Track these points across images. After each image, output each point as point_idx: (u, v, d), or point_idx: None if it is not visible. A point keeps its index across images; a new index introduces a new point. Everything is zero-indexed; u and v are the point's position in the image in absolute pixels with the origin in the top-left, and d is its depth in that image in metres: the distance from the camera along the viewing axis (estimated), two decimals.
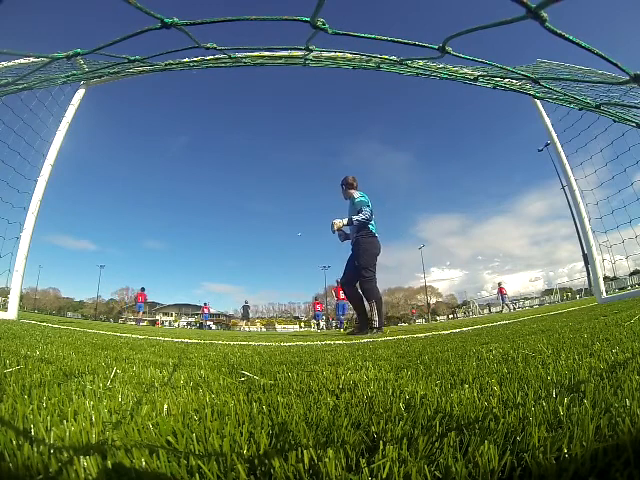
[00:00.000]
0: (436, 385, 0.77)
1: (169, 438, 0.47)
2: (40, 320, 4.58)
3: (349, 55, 1.39)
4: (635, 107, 1.30)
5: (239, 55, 1.32)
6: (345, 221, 4.24)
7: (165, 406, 0.62)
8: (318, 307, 21.68)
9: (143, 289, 18.72)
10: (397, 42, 0.65)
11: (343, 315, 15.47)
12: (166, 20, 0.56)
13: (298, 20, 0.55)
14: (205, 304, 24.90)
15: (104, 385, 0.81)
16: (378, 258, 4.42)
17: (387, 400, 0.66)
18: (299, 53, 1.40)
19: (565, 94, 1.10)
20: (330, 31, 0.58)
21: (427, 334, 2.93)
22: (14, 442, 0.44)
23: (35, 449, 0.42)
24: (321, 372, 1.02)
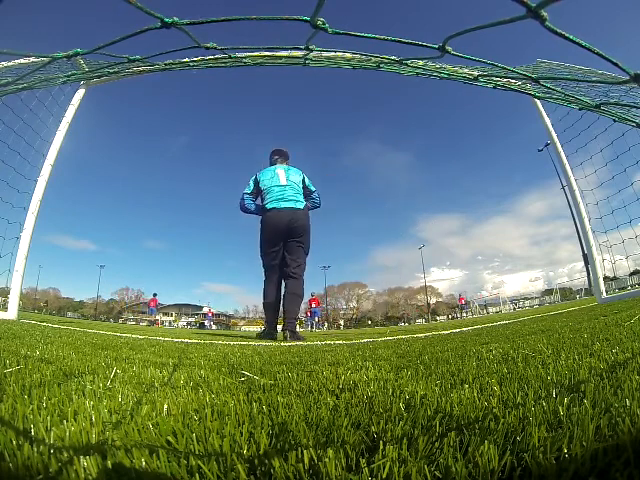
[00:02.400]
0: (436, 385, 0.77)
1: (169, 438, 0.47)
2: (40, 320, 4.58)
3: (349, 55, 1.39)
4: (635, 107, 1.30)
5: (239, 55, 1.32)
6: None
7: (165, 406, 0.62)
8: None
9: (155, 295, 21.53)
10: (397, 42, 0.65)
11: (313, 320, 19.02)
12: (166, 20, 0.56)
13: (298, 20, 0.55)
14: (210, 309, 27.77)
15: (104, 385, 0.81)
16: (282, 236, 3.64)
17: (387, 400, 0.66)
18: (299, 53, 1.40)
19: (565, 94, 1.10)
20: (330, 31, 0.58)
21: (427, 334, 2.93)
22: (14, 442, 0.44)
23: (35, 449, 0.42)
24: (321, 372, 1.02)
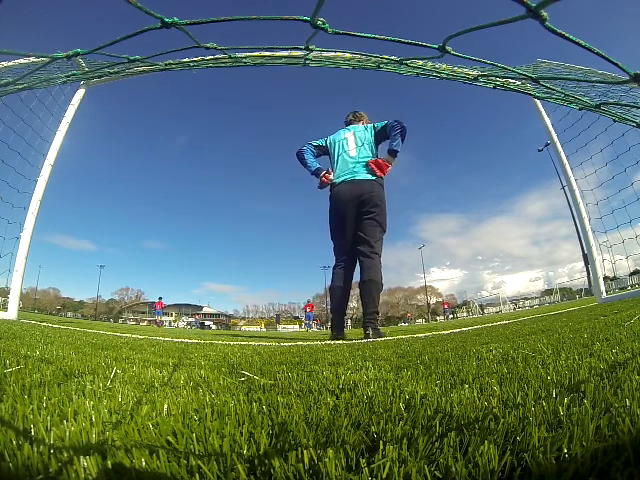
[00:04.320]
0: (436, 385, 0.77)
1: (169, 438, 0.47)
2: (40, 320, 4.58)
3: (349, 55, 1.39)
4: (635, 107, 1.30)
5: (239, 55, 1.32)
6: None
7: (165, 406, 0.62)
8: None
9: (161, 298, 22.88)
10: (397, 42, 0.65)
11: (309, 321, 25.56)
12: (166, 20, 0.56)
13: (298, 20, 0.55)
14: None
15: (104, 385, 0.81)
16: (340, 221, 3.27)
17: (387, 400, 0.66)
18: (299, 53, 1.40)
19: (565, 94, 1.10)
20: (330, 30, 0.58)
21: (427, 334, 2.93)
22: (14, 442, 0.44)
23: (35, 449, 0.42)
24: (321, 372, 1.02)
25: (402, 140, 3.24)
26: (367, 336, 2.86)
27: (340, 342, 2.58)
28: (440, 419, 0.53)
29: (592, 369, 0.79)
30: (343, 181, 3.30)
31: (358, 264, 3.26)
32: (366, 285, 3.10)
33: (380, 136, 3.43)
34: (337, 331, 3.21)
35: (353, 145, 3.39)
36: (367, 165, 3.28)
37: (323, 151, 3.60)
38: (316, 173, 3.45)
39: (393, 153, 3.26)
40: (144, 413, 0.58)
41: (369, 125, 3.50)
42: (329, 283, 3.42)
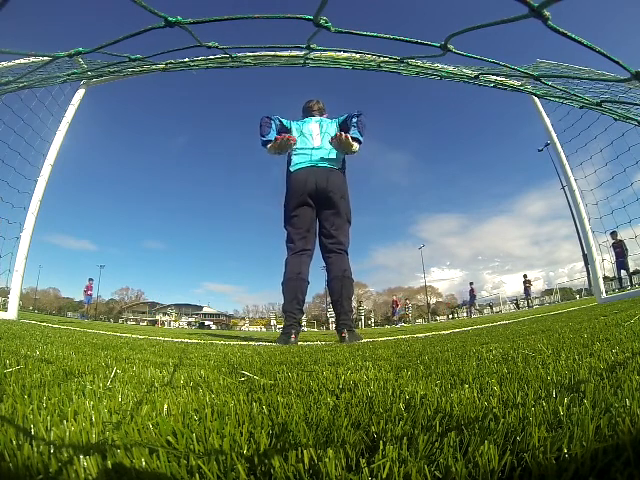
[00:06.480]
0: (436, 385, 0.77)
1: (169, 438, 0.47)
2: (40, 320, 4.58)
3: (349, 55, 1.39)
4: (636, 104, 1.30)
5: (240, 55, 1.32)
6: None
7: (165, 406, 0.62)
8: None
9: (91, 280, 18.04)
10: (399, 40, 0.65)
11: None
12: (170, 19, 0.55)
13: (301, 18, 0.55)
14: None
15: (104, 385, 0.81)
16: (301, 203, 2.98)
17: (387, 400, 0.66)
18: (300, 53, 1.40)
19: (566, 91, 1.10)
20: (333, 29, 0.58)
21: (427, 334, 2.93)
22: (14, 442, 0.44)
23: (35, 449, 0.42)
24: (321, 372, 1.02)
25: (362, 134, 3.02)
26: (343, 339, 2.60)
27: (337, 343, 2.58)
28: (440, 419, 0.53)
29: (592, 369, 0.79)
30: (305, 167, 3.05)
31: (323, 258, 3.04)
32: (340, 281, 2.79)
33: (341, 128, 3.22)
34: (295, 334, 2.72)
35: (318, 137, 3.18)
36: (331, 142, 2.98)
37: (284, 131, 3.26)
38: (272, 139, 3.02)
39: (357, 141, 2.96)
40: (144, 413, 0.58)
41: (335, 120, 3.33)
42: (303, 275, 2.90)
